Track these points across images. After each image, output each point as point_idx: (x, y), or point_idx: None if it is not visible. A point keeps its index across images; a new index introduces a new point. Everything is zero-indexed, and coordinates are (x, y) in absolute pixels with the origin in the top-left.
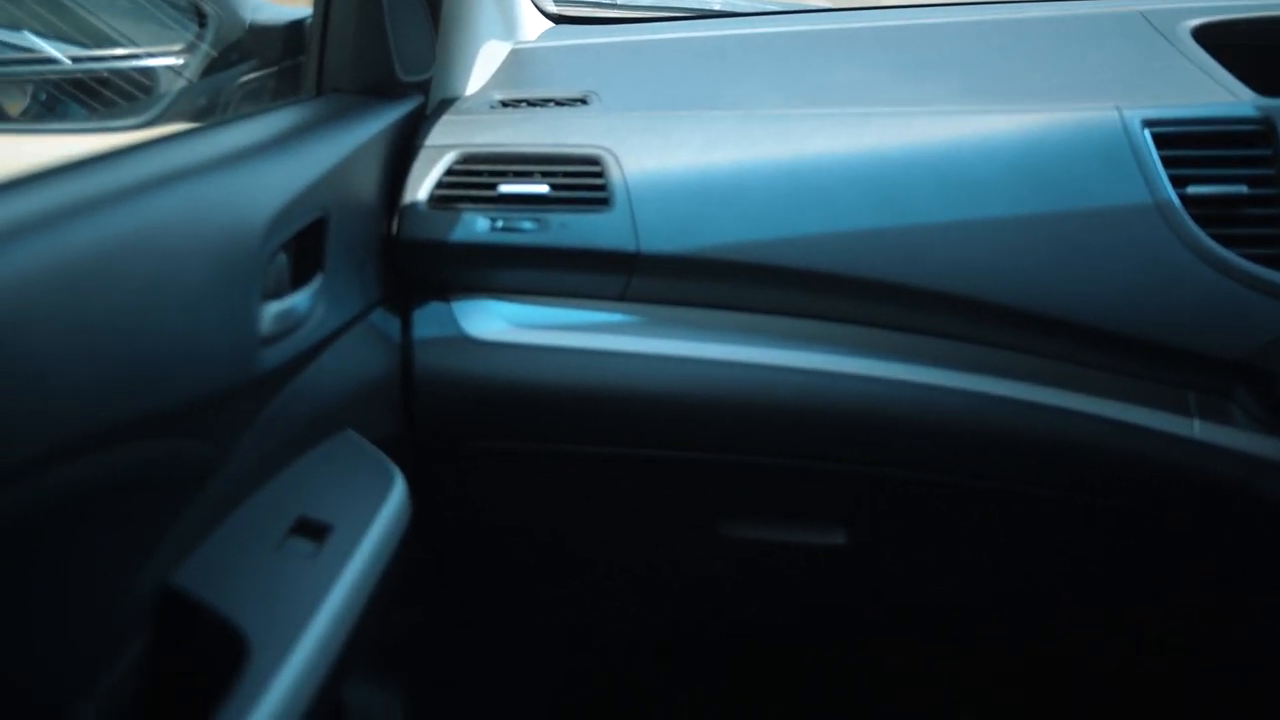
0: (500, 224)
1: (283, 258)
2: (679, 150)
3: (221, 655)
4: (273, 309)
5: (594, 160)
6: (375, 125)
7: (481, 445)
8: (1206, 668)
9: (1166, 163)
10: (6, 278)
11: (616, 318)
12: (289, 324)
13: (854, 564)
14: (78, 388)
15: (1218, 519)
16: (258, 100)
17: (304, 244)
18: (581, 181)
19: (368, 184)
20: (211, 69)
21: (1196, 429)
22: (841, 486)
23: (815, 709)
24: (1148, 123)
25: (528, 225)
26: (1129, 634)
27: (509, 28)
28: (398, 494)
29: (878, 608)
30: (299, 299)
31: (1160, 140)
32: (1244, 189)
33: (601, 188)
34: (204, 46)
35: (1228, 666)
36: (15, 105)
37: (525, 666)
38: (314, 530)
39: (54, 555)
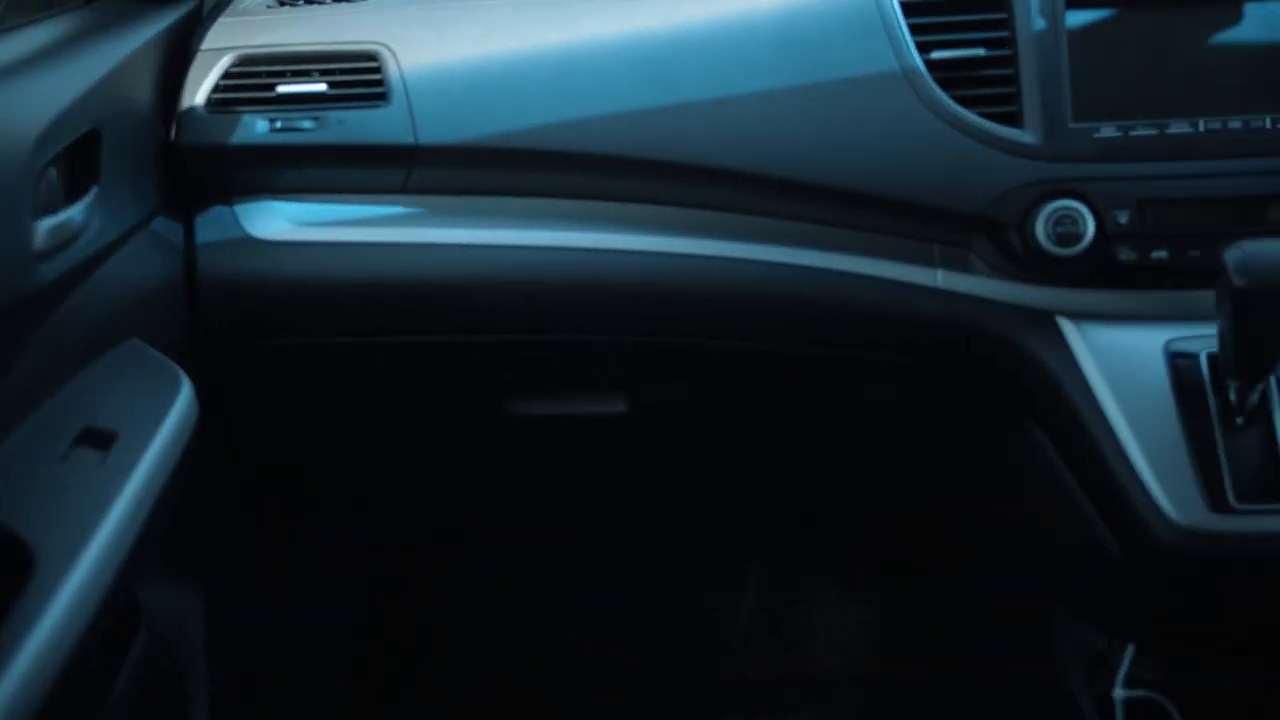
0: (279, 124)
1: (54, 172)
2: (455, 42)
3: (7, 567)
4: (46, 224)
5: (371, 56)
6: (148, 31)
7: (274, 343)
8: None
9: (913, 30)
10: None
11: (399, 210)
12: (64, 237)
13: (635, 429)
14: None
15: (961, 360)
16: (22, 11)
17: (77, 156)
18: (359, 78)
19: (143, 92)
20: None
21: (940, 278)
22: (619, 357)
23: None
24: None
25: (307, 124)
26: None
27: None
28: (184, 398)
29: (663, 471)
30: (74, 212)
31: (907, 8)
32: (981, 51)
33: (379, 83)
34: None
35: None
36: None
37: (326, 560)
38: (99, 438)
39: None
